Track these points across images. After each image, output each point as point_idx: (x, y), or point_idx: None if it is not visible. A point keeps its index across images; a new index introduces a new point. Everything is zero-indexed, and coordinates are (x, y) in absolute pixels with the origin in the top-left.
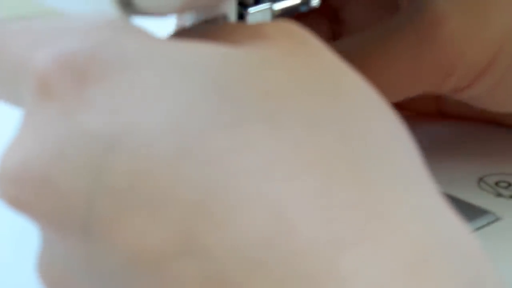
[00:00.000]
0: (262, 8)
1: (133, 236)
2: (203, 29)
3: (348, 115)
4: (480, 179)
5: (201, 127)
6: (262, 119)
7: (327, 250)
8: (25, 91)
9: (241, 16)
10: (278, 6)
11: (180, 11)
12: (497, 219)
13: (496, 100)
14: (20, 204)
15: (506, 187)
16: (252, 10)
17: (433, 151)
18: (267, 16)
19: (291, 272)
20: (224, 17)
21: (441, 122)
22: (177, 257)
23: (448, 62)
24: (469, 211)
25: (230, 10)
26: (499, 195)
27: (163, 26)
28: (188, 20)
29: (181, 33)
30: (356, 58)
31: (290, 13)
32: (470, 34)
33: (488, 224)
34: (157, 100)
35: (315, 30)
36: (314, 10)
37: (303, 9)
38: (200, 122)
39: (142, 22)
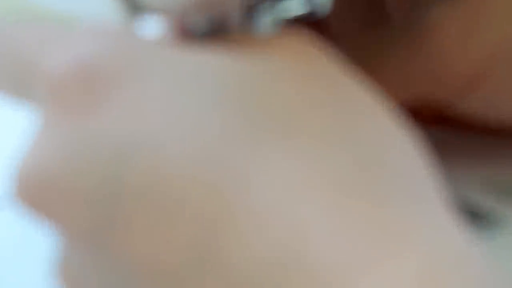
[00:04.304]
0: (269, 13)
1: (150, 246)
2: (212, 38)
3: (362, 132)
4: (485, 181)
5: (218, 136)
6: (278, 133)
7: (348, 271)
8: (38, 93)
9: (247, 17)
10: (285, 14)
11: (185, 8)
12: (502, 221)
13: (491, 111)
14: (38, 207)
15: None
16: (258, 14)
17: (437, 153)
18: (274, 21)
19: None
20: (229, 16)
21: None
22: (196, 267)
23: (439, 71)
24: (473, 213)
25: (235, 9)
26: (504, 197)
27: None
28: (192, 17)
29: (191, 41)
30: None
31: (298, 21)
32: (462, 44)
33: (493, 226)
34: (172, 108)
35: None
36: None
37: (312, 18)
38: (217, 131)
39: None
